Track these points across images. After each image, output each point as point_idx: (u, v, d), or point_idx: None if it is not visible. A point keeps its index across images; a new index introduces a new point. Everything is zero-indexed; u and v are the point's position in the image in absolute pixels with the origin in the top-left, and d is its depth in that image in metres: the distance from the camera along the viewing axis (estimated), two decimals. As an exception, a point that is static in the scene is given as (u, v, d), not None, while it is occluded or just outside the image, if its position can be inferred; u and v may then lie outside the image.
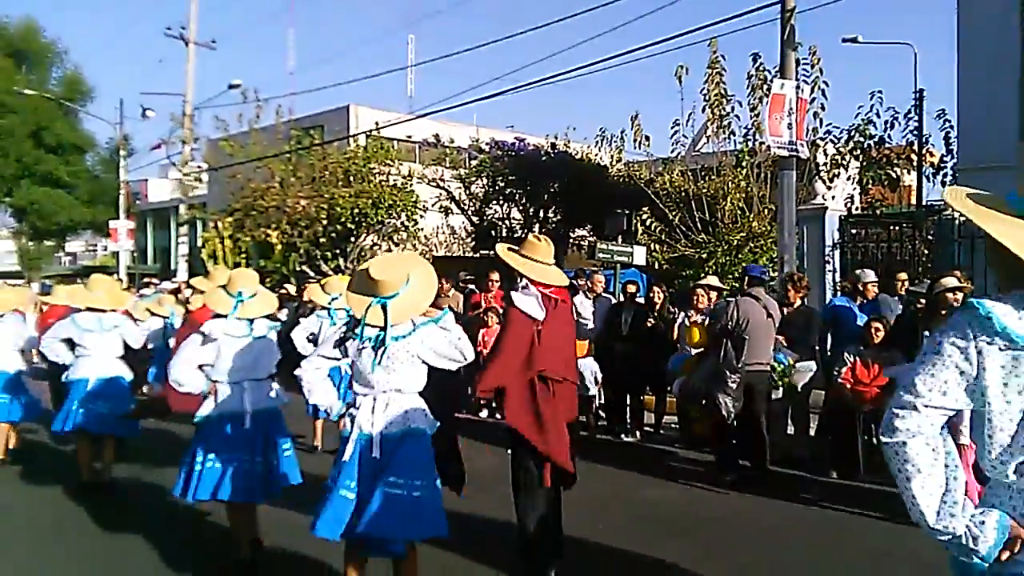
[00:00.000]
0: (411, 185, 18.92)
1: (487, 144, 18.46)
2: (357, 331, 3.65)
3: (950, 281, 5.75)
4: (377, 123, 20.54)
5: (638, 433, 8.64)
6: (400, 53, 62.70)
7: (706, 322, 7.46)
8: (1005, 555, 1.88)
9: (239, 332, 4.65)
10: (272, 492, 4.72)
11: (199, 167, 26.13)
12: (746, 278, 7.00)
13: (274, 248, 18.35)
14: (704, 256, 12.84)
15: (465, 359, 3.78)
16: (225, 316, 4.63)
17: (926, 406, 1.93)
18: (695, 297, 8.31)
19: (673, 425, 8.70)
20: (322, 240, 18.13)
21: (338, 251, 18.54)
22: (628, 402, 8.84)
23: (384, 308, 3.60)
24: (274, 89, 67.16)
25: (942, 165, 16.61)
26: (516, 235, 17.37)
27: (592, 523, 5.37)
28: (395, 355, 3.64)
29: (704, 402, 6.76)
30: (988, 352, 1.88)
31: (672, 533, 5.38)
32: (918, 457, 1.92)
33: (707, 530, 5.51)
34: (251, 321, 4.71)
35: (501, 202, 18.07)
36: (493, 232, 17.98)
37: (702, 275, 11.13)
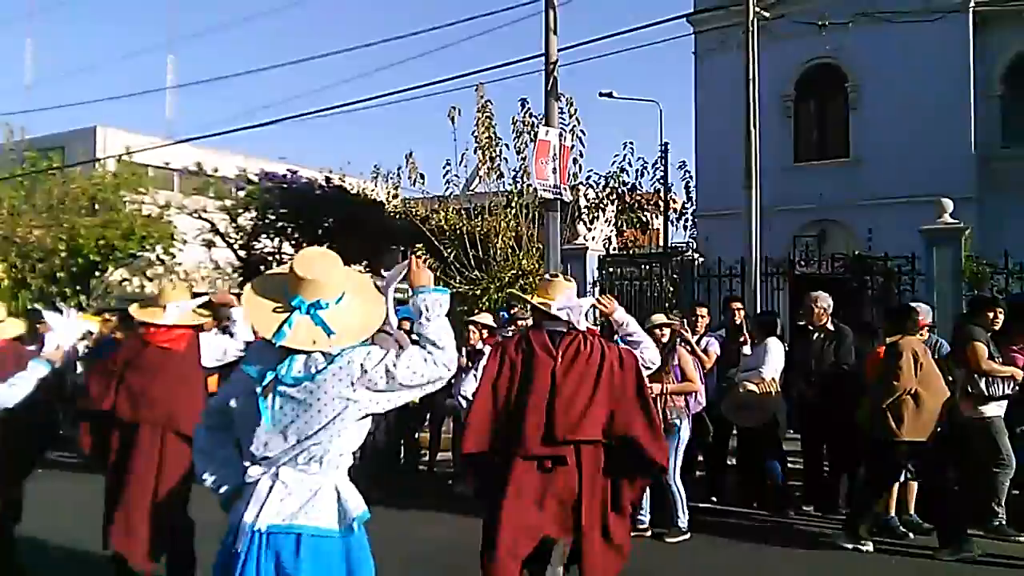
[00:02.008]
0: (168, 216, 17.52)
1: (256, 175, 17.64)
2: (253, 364, 2.40)
3: (659, 318, 6.42)
4: (128, 147, 18.86)
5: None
6: (158, 74, 58.41)
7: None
8: None
9: None
10: None
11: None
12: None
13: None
14: (478, 293, 13.17)
15: (449, 371, 2.45)
16: None
17: None
18: (468, 334, 8.45)
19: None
20: (60, 275, 16.14)
21: (79, 288, 16.59)
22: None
23: (319, 322, 2.34)
24: (6, 105, 59.16)
25: (684, 211, 18.55)
26: (287, 271, 16.66)
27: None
28: (319, 396, 2.32)
29: None
30: None
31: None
32: None
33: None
34: None
35: (271, 236, 17.29)
36: (262, 267, 17.12)
37: (475, 312, 11.39)
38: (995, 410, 5.98)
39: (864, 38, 15.52)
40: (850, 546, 5.68)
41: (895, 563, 5.52)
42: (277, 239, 17.30)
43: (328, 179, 17.62)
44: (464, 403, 6.60)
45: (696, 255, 13.86)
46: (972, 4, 15.85)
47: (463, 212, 14.44)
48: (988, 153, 16.08)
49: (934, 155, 15.43)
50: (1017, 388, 6.00)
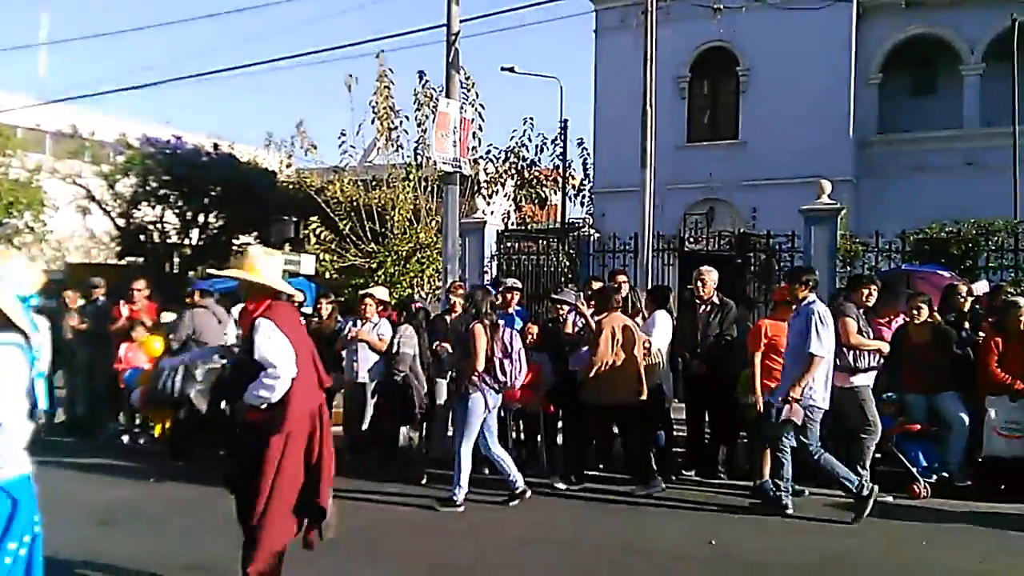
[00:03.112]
0: (38, 180, 16.32)
1: (138, 139, 16.65)
2: None
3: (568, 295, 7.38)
4: (-7, 105, 17.42)
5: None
6: (31, 30, 53.95)
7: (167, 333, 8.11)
8: None
9: None
10: None
11: None
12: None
13: None
14: (374, 266, 12.94)
15: None
16: None
17: None
18: (363, 307, 8.29)
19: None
20: (-86, 242, 14.81)
21: (-63, 255, 15.28)
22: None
23: None
24: None
25: (581, 188, 18.81)
26: (170, 240, 15.91)
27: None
28: None
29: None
30: None
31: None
32: None
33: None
34: None
35: (153, 204, 16.41)
36: (143, 236, 16.26)
37: (371, 285, 11.20)
38: (864, 380, 6.38)
39: (755, 23, 16.10)
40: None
41: (771, 523, 5.80)
42: (159, 207, 16.44)
43: (216, 146, 16.86)
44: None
45: (592, 231, 14.09)
46: (854, -6, 16.68)
47: (360, 184, 14.11)
48: (865, 138, 17.04)
49: (816, 139, 16.23)
50: (882, 360, 6.41)
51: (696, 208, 17.43)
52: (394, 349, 7.20)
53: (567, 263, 13.06)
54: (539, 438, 7.55)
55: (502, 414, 6.91)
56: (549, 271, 12.88)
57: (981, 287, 8.35)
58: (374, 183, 14.01)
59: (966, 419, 6.50)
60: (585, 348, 7.27)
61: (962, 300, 7.43)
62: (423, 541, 5.43)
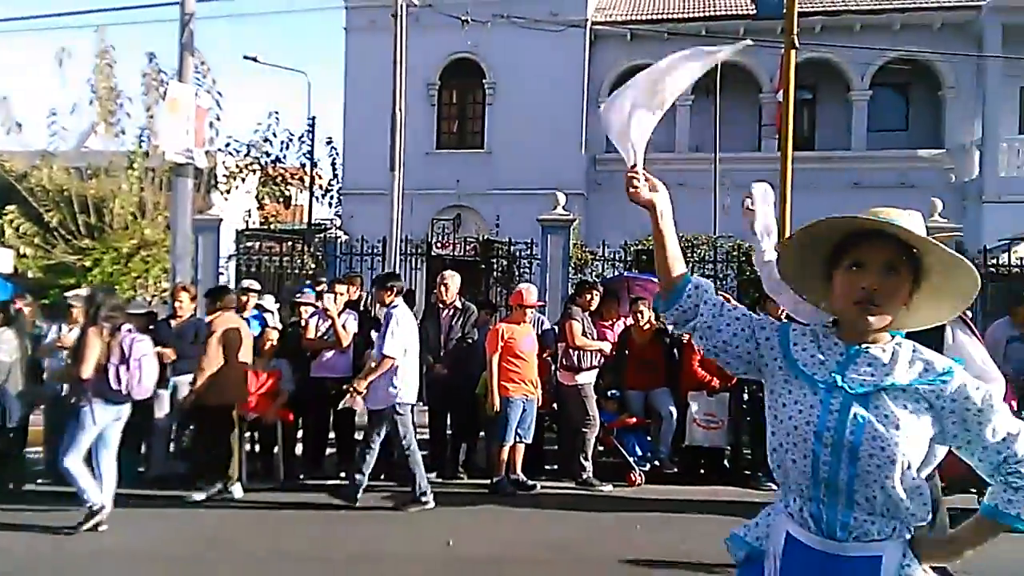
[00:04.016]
0: None
1: None
2: None
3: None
4: None
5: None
6: None
7: None
8: None
9: None
10: None
11: None
12: None
13: None
14: (88, 264, 11.56)
15: None
16: None
17: None
18: (72, 310, 7.34)
19: None
20: None
21: None
22: None
23: None
24: None
25: (329, 188, 18.39)
26: None
27: None
28: None
29: None
30: None
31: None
32: None
33: None
34: None
35: None
36: None
37: (84, 285, 9.98)
38: (587, 378, 6.91)
39: (500, 39, 16.81)
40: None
41: (506, 519, 6.04)
42: None
43: None
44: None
45: (340, 232, 13.82)
46: (589, 21, 18.07)
47: (74, 171, 12.55)
48: (595, 155, 18.53)
49: (553, 153, 17.33)
50: (603, 360, 7.00)
51: (444, 213, 17.80)
52: None
53: (313, 265, 12.66)
54: (275, 449, 7.19)
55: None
56: (294, 273, 12.39)
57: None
58: (91, 171, 12.52)
59: (674, 412, 7.28)
60: (330, 353, 7.10)
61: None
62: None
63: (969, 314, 4.10)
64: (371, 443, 6.12)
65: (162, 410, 6.95)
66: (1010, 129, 16.91)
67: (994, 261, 12.18)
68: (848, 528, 1.66)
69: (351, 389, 6.25)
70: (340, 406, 6.98)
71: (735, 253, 11.81)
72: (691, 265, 11.84)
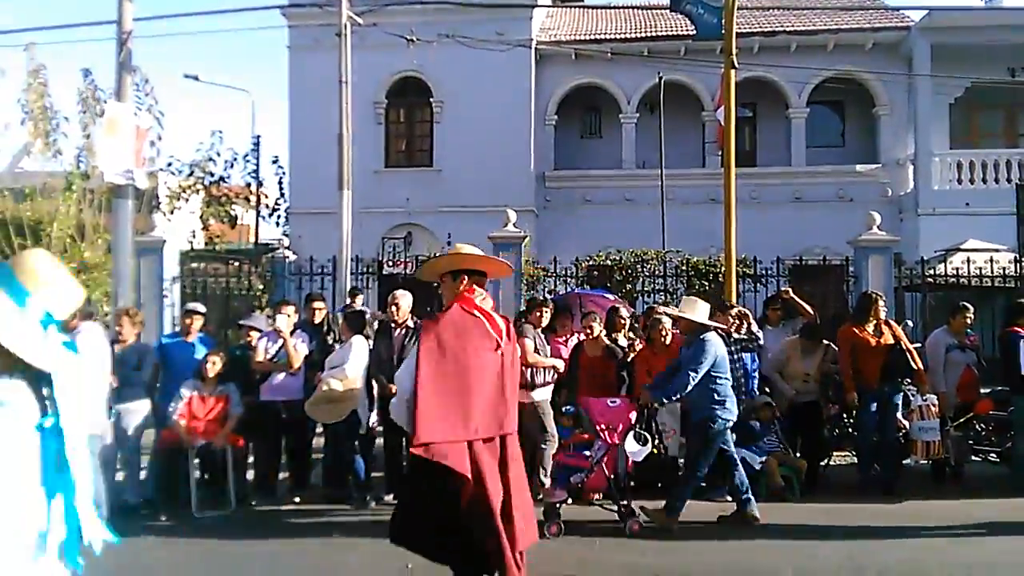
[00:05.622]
0: None
1: None
2: None
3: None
4: None
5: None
6: None
7: None
8: None
9: None
10: None
11: None
12: None
13: None
14: (25, 289, 11.16)
15: None
16: None
17: None
18: None
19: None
20: None
21: None
22: None
23: None
24: None
25: (276, 208, 18.13)
26: None
27: None
28: None
29: None
30: None
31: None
32: None
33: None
34: None
35: None
36: None
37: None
38: (542, 395, 6.91)
39: (447, 58, 16.88)
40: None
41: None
42: None
43: None
44: None
45: (288, 252, 13.63)
46: (534, 41, 18.27)
47: (7, 193, 12.14)
48: (544, 172, 18.68)
49: (502, 170, 17.42)
50: (557, 376, 7.02)
51: (394, 232, 17.71)
52: None
53: (261, 286, 12.44)
54: (228, 473, 7.00)
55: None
56: (241, 294, 12.16)
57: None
58: (26, 193, 12.13)
59: (627, 425, 7.32)
60: (281, 375, 6.97)
61: (622, 320, 8.43)
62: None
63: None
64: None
65: (105, 440, 6.71)
66: (941, 144, 17.63)
67: (931, 272, 12.65)
68: None
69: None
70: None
71: (684, 267, 12.02)
72: (641, 280, 12.00)
